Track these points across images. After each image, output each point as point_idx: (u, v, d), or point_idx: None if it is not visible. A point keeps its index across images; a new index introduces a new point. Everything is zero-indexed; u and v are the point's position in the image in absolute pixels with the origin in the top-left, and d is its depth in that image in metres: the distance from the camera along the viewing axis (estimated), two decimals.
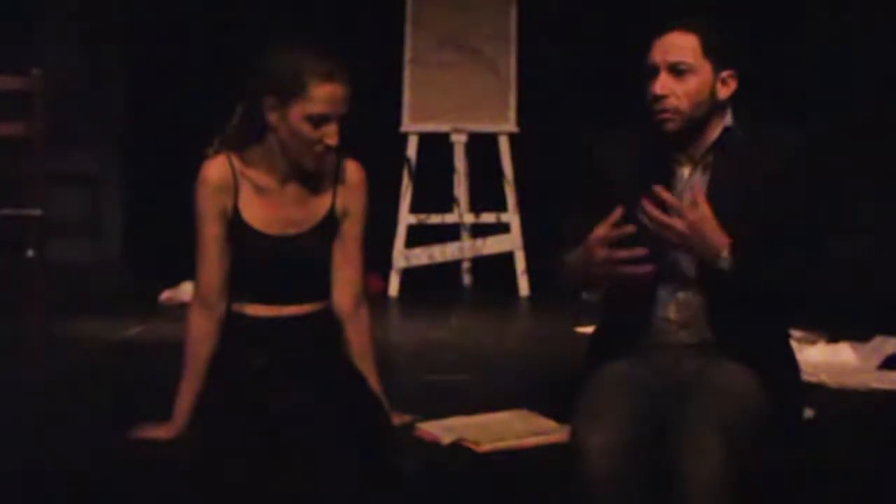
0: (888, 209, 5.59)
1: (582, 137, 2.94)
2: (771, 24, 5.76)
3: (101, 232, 6.27)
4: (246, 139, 2.83)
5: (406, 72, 5.94)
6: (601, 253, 2.61)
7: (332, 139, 2.74)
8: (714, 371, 2.65)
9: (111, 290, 5.71)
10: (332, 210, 2.88)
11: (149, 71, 6.13)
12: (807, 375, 3.06)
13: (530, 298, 5.73)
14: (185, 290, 5.09)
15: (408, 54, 5.95)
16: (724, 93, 2.74)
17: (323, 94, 2.71)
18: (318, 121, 2.72)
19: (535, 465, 2.79)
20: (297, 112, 2.72)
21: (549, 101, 5.96)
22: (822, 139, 2.95)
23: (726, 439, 2.42)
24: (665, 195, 2.62)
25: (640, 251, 2.59)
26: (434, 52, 5.93)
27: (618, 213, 2.60)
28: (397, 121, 5.90)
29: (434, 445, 2.88)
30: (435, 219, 5.92)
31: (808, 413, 2.92)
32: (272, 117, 2.75)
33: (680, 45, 2.71)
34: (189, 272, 2.94)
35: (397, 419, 2.94)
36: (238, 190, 2.82)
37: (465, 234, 5.94)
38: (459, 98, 5.90)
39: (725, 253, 2.62)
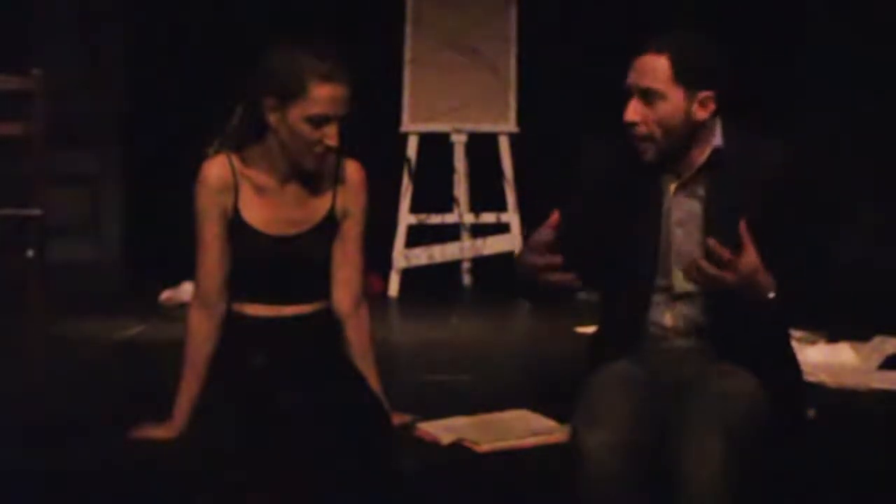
0: (888, 209, 5.59)
1: (581, 139, 2.92)
2: (771, 24, 5.77)
3: (101, 232, 6.27)
4: (246, 139, 2.83)
5: (406, 72, 5.94)
6: (532, 259, 2.57)
7: (331, 140, 2.74)
8: (714, 372, 2.65)
9: (111, 290, 5.71)
10: (332, 210, 2.88)
11: (149, 71, 6.13)
12: (807, 375, 3.05)
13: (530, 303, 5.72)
14: (185, 290, 5.09)
15: (408, 54, 5.95)
16: (701, 115, 2.66)
17: (323, 95, 2.71)
18: (317, 121, 2.72)
19: (535, 465, 2.79)
20: (296, 112, 2.72)
21: (549, 101, 5.96)
22: (813, 149, 2.92)
23: (727, 440, 2.42)
24: (719, 250, 2.51)
25: (556, 259, 2.52)
26: (434, 52, 5.93)
27: (555, 216, 2.54)
28: (397, 121, 5.91)
29: (434, 445, 2.88)
30: (435, 219, 5.92)
31: (809, 413, 2.92)
32: (272, 118, 2.75)
33: (650, 70, 2.63)
34: (189, 272, 2.94)
35: (397, 419, 2.94)
36: (238, 190, 2.82)
37: (465, 234, 5.94)
38: (459, 98, 5.90)
39: (772, 294, 2.56)
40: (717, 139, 2.71)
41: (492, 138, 5.90)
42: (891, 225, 5.55)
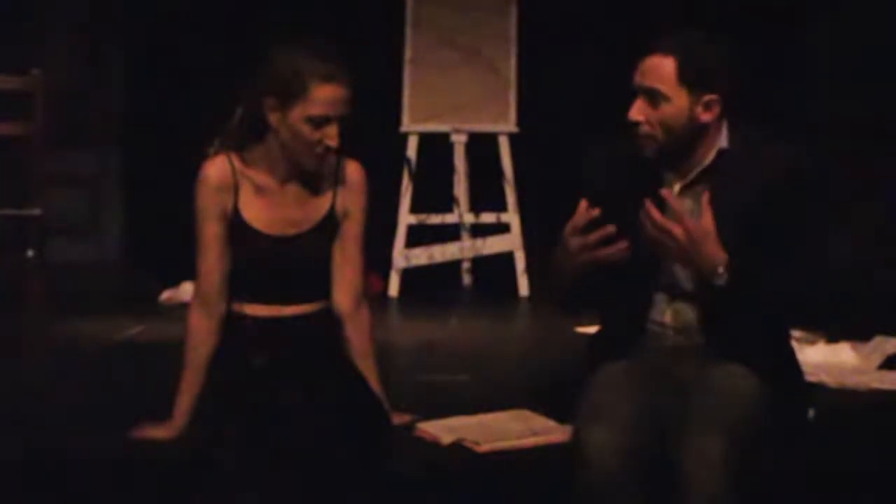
0: (888, 209, 5.59)
1: (582, 143, 2.92)
2: (771, 24, 5.77)
3: (101, 232, 6.27)
4: (246, 139, 2.83)
5: (406, 72, 5.94)
6: (576, 241, 2.60)
7: (332, 140, 2.74)
8: (714, 371, 2.65)
9: (111, 290, 5.71)
10: (332, 210, 2.88)
11: (149, 71, 6.13)
12: (807, 375, 3.05)
13: (530, 298, 5.72)
14: (185, 290, 5.09)
15: (408, 54, 5.94)
16: (705, 117, 2.66)
17: (323, 96, 2.71)
18: (318, 122, 2.72)
19: (535, 465, 2.79)
20: (297, 113, 2.72)
21: (549, 101, 5.96)
22: (819, 152, 2.91)
23: (727, 440, 2.42)
24: (669, 197, 2.60)
25: (609, 229, 2.57)
26: (434, 52, 5.93)
27: (584, 204, 2.58)
28: (397, 121, 5.90)
29: (434, 445, 2.88)
30: (435, 219, 5.91)
31: (809, 413, 2.92)
32: (273, 118, 2.75)
33: (656, 71, 2.63)
34: (189, 272, 2.94)
35: (397, 419, 2.94)
36: (238, 190, 2.82)
37: (465, 234, 5.94)
38: (459, 98, 5.90)
39: (722, 269, 2.57)
40: (723, 141, 2.71)
41: (492, 138, 5.90)
42: (891, 225, 5.55)
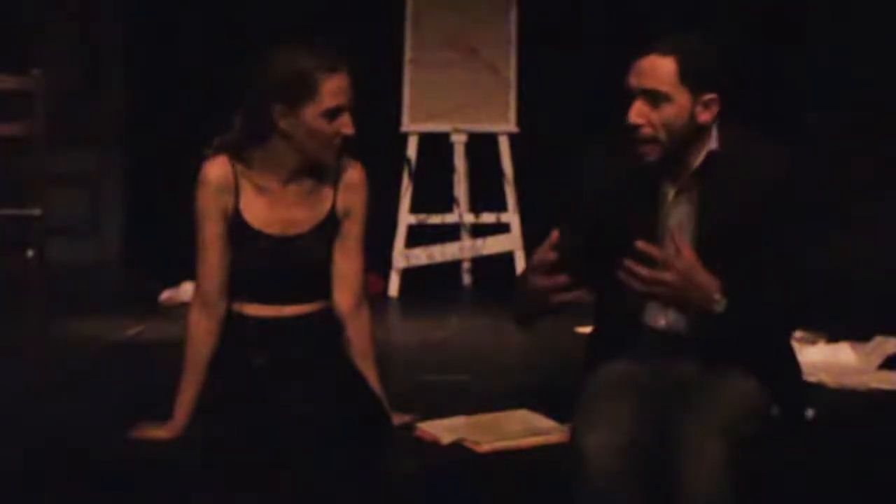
0: (888, 209, 5.59)
1: (581, 147, 2.90)
2: (770, 24, 5.77)
3: (101, 232, 6.28)
4: (247, 144, 2.83)
5: (406, 72, 5.94)
6: (540, 281, 2.57)
7: (348, 129, 2.77)
8: (713, 371, 2.65)
9: (111, 290, 5.71)
10: (332, 210, 2.88)
11: (149, 71, 6.13)
12: (807, 375, 3.05)
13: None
14: (185, 290, 5.09)
15: (408, 54, 5.94)
16: (704, 117, 2.64)
17: (332, 88, 2.73)
18: (332, 114, 2.74)
19: (535, 465, 2.79)
20: (310, 112, 2.73)
21: (549, 101, 5.95)
22: (809, 154, 2.90)
23: (726, 440, 2.42)
24: (650, 249, 2.52)
25: (561, 279, 2.53)
26: (434, 52, 5.93)
27: (554, 236, 2.54)
28: (397, 121, 5.90)
29: (434, 445, 2.88)
30: (435, 219, 5.91)
31: (809, 413, 2.92)
32: (284, 124, 2.75)
33: (656, 71, 2.60)
34: (189, 272, 2.94)
35: (397, 419, 2.94)
36: (239, 190, 2.82)
37: (465, 234, 5.93)
38: (459, 98, 5.89)
39: (718, 296, 2.53)
40: (713, 142, 2.69)
41: (492, 138, 5.90)
42: (891, 225, 5.55)
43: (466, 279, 6.01)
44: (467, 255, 5.95)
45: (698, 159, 2.68)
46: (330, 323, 2.89)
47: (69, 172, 5.85)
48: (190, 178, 2.85)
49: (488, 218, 5.92)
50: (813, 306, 2.69)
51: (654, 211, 2.68)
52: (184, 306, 3.60)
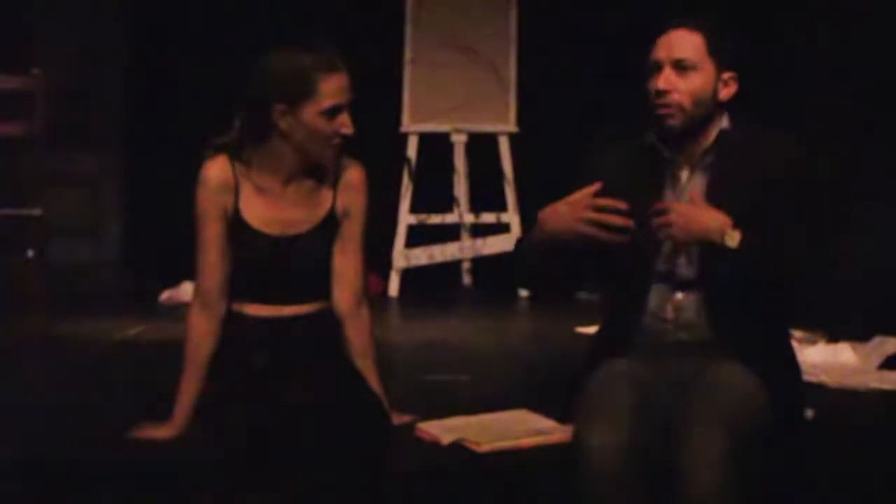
0: (888, 209, 5.59)
1: (582, 143, 2.93)
2: (771, 23, 5.77)
3: (101, 232, 6.28)
4: (247, 143, 2.83)
5: (406, 72, 5.94)
6: (585, 211, 2.63)
7: (347, 128, 2.77)
8: (714, 371, 2.65)
9: (111, 290, 5.71)
10: (332, 210, 2.88)
11: (149, 71, 6.13)
12: (807, 375, 3.05)
13: (530, 298, 5.72)
14: (185, 290, 5.09)
15: (408, 54, 5.95)
16: (724, 94, 2.75)
17: (331, 87, 2.73)
18: (331, 113, 2.74)
19: (535, 465, 2.79)
20: (310, 111, 2.73)
21: (549, 101, 5.96)
22: (821, 142, 2.94)
23: (727, 439, 2.42)
24: (658, 204, 2.65)
25: (621, 204, 2.61)
26: (434, 52, 5.93)
27: (596, 186, 2.64)
28: (397, 121, 5.91)
29: (434, 445, 2.88)
30: (435, 219, 5.92)
31: (809, 413, 2.92)
32: (284, 124, 2.75)
33: (685, 42, 2.73)
34: (189, 272, 2.94)
35: (397, 419, 2.94)
36: (239, 190, 2.82)
37: (465, 234, 5.94)
38: (459, 98, 5.90)
39: (730, 228, 2.59)
40: (725, 122, 2.78)
41: (492, 138, 5.90)
42: (891, 225, 5.55)
43: (466, 279, 6.01)
44: (467, 255, 5.96)
45: (709, 139, 2.77)
46: (330, 323, 2.89)
47: (69, 172, 5.85)
48: (190, 179, 2.85)
49: (488, 218, 5.93)
50: (825, 263, 2.69)
51: (660, 192, 2.72)
52: (184, 306, 3.60)
